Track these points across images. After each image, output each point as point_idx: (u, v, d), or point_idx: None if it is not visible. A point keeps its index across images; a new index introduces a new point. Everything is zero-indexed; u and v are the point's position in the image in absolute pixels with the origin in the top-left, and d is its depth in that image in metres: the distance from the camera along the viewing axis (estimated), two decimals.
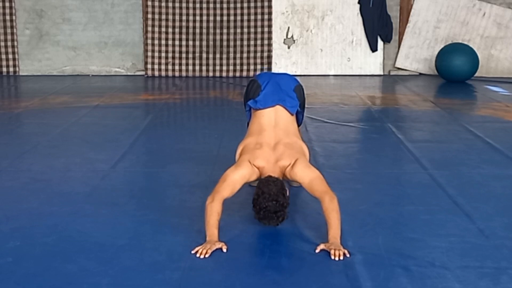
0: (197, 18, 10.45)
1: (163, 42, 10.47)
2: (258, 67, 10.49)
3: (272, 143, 4.00)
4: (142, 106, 8.22)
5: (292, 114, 4.26)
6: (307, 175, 3.81)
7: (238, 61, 10.52)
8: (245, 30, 10.48)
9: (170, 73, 10.54)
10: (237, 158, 4.02)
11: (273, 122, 4.15)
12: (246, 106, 4.41)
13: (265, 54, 10.52)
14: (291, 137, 4.09)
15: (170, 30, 10.46)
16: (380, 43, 10.67)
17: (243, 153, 4.00)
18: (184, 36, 10.48)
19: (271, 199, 3.59)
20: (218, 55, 10.52)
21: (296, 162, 3.87)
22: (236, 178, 3.79)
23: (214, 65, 10.53)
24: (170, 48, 10.49)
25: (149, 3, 10.37)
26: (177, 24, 10.45)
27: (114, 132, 6.55)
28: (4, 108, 7.86)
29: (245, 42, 10.50)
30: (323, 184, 3.76)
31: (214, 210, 3.62)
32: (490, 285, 3.14)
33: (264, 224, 3.71)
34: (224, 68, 10.53)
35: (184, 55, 10.52)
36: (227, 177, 3.79)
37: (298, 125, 4.44)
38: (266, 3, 10.45)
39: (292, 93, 4.32)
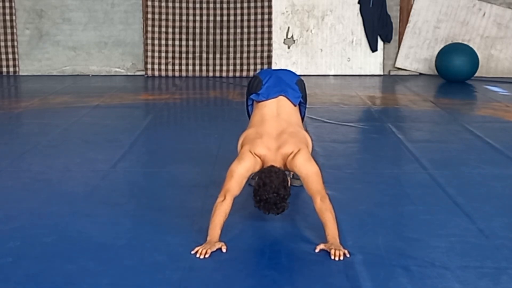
0: (197, 18, 10.45)
1: (163, 42, 10.47)
2: (258, 67, 10.49)
3: (274, 133, 3.95)
4: (142, 106, 8.22)
5: (295, 105, 4.23)
6: (306, 169, 3.76)
7: (238, 61, 10.51)
8: (245, 30, 10.47)
9: (170, 73, 10.53)
10: (239, 149, 3.99)
11: (276, 112, 4.11)
12: (249, 101, 4.36)
13: (265, 54, 10.52)
14: (294, 127, 4.05)
15: (170, 30, 10.45)
16: (380, 43, 10.67)
17: (244, 143, 3.95)
18: (184, 36, 10.48)
19: (272, 191, 3.55)
20: (218, 55, 10.52)
21: (298, 152, 3.81)
22: (242, 172, 3.76)
23: (214, 65, 10.53)
24: (170, 48, 10.49)
25: (149, 3, 10.37)
26: (177, 24, 10.45)
27: (114, 132, 6.55)
28: (4, 108, 7.85)
29: (245, 42, 10.50)
30: (318, 183, 3.73)
31: (222, 210, 3.60)
32: (490, 285, 3.14)
33: (264, 213, 3.70)
34: (224, 68, 10.53)
35: (184, 55, 10.52)
36: (234, 173, 3.75)
37: (301, 119, 4.39)
38: (266, 3, 10.45)
39: (294, 85, 4.31)
